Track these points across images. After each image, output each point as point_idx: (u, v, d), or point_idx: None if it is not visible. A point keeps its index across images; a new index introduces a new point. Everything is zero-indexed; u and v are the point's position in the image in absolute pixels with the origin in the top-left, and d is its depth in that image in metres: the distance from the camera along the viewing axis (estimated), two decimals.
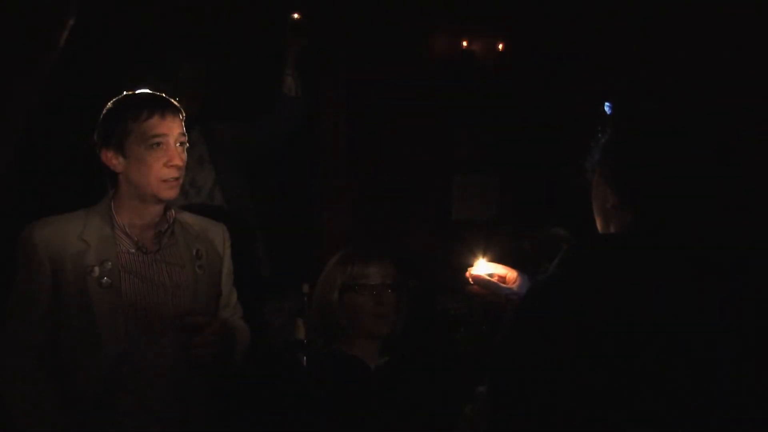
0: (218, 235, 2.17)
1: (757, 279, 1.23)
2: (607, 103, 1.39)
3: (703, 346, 1.16)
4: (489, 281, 1.65)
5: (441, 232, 3.79)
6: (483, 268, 1.67)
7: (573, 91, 3.65)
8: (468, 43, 3.81)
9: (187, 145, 2.04)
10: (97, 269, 1.93)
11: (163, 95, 2.03)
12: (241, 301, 2.27)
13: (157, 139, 1.94)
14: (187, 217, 2.14)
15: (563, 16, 3.74)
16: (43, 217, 1.99)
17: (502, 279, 1.67)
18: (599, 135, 1.35)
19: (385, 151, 3.72)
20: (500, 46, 3.86)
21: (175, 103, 2.02)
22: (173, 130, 1.97)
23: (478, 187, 3.91)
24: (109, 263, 1.94)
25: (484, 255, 1.68)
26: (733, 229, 1.26)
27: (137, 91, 2.03)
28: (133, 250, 1.99)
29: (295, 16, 3.14)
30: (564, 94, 3.74)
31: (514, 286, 1.64)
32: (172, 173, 1.97)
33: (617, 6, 3.40)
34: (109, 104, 2.00)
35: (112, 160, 1.97)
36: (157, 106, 1.96)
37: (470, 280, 1.67)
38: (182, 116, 2.02)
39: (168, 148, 1.96)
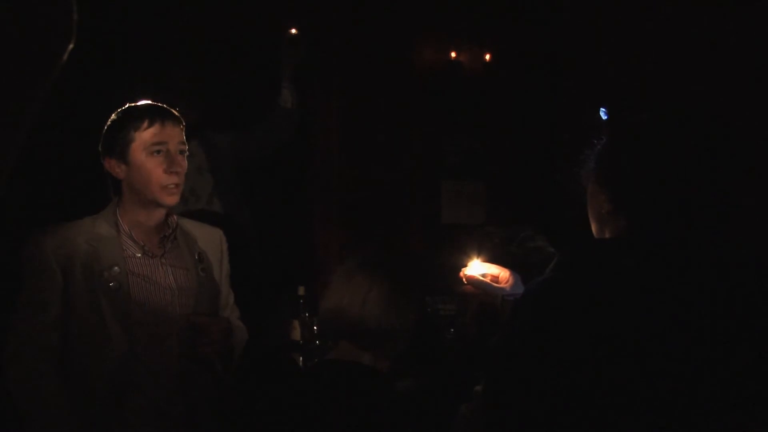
0: (216, 239, 2.22)
1: (750, 283, 1.22)
2: (602, 109, 1.39)
3: (696, 349, 1.17)
4: (482, 281, 1.67)
5: (431, 235, 3.85)
6: (476, 268, 1.69)
7: (558, 100, 3.75)
8: (456, 54, 3.90)
9: (188, 153, 2.09)
10: (105, 273, 1.96)
11: (164, 105, 2.08)
12: (238, 303, 2.31)
13: (157, 147, 2.00)
14: (187, 223, 2.19)
15: (548, 27, 3.82)
16: (50, 224, 2.02)
17: (495, 279, 1.68)
18: (594, 142, 1.35)
19: (376, 159, 3.79)
20: (487, 57, 3.95)
21: (176, 112, 2.08)
22: (173, 138, 2.02)
23: (466, 192, 3.98)
24: (117, 267, 1.98)
25: (477, 256, 1.70)
26: (727, 235, 1.26)
27: (139, 103, 2.08)
28: (139, 255, 2.03)
29: (293, 31, 3.21)
30: (549, 103, 3.83)
31: (507, 286, 1.66)
32: (173, 179, 2.02)
33: (603, 16, 3.45)
34: (113, 115, 2.04)
35: (116, 168, 2.02)
36: (157, 116, 2.01)
37: (464, 280, 1.69)
38: (182, 125, 2.07)
39: (168, 155, 2.01)
